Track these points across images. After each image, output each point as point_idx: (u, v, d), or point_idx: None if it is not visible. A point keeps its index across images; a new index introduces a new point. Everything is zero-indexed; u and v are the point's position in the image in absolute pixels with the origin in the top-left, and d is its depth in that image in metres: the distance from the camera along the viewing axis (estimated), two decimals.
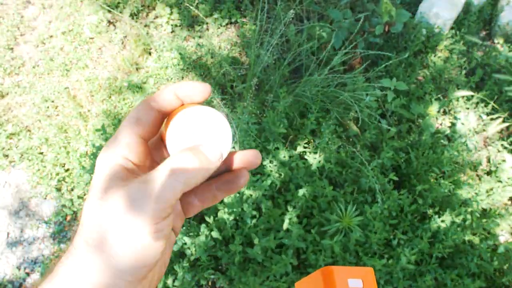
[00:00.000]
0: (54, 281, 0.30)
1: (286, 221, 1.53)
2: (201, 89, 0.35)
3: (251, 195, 1.57)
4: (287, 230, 1.52)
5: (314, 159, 1.69)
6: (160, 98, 0.35)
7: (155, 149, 0.38)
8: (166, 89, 0.35)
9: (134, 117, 0.34)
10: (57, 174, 1.89)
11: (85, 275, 0.29)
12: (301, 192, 1.58)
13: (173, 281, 1.51)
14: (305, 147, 1.82)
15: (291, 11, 1.71)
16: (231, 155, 0.37)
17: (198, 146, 0.32)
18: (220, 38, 2.34)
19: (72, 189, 1.88)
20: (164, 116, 0.36)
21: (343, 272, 0.43)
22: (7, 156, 1.99)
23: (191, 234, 1.55)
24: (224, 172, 0.38)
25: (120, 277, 0.29)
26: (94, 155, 1.75)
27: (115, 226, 0.29)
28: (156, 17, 2.45)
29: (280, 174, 1.66)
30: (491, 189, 1.81)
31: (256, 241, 1.46)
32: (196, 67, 2.15)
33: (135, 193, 0.30)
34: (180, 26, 2.44)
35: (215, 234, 1.54)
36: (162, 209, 0.29)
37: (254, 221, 1.55)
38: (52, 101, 2.14)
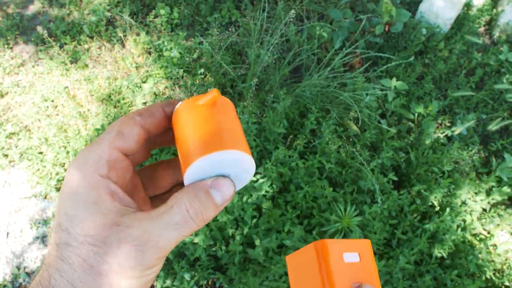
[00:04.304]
0: None
1: (288, 223, 1.53)
2: None
3: (251, 195, 1.57)
4: (288, 231, 1.52)
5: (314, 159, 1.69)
6: (147, 114, 0.32)
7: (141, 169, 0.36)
8: (154, 105, 0.33)
9: (115, 130, 0.31)
10: (57, 174, 1.89)
11: None
12: (301, 193, 1.58)
13: (173, 281, 1.51)
14: (305, 147, 1.82)
15: (292, 11, 1.71)
16: None
17: (208, 187, 0.30)
18: (220, 37, 2.34)
19: None
20: (148, 135, 0.33)
21: (338, 245, 0.40)
22: (6, 155, 1.99)
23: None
24: None
25: None
26: None
27: (112, 273, 0.28)
28: (156, 16, 2.45)
29: (280, 174, 1.66)
30: (491, 189, 1.81)
31: (257, 242, 1.46)
32: (196, 66, 2.14)
33: (135, 241, 0.28)
34: (180, 25, 2.44)
35: (215, 234, 1.54)
36: (159, 257, 0.29)
37: (254, 221, 1.55)
38: (52, 101, 2.14)
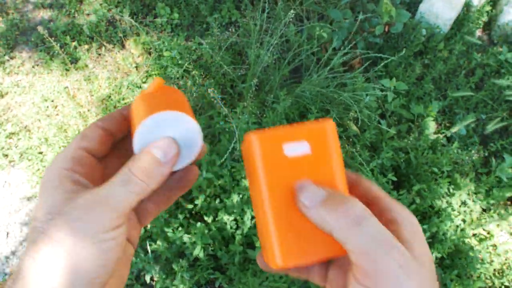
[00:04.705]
0: None
1: None
2: None
3: None
4: None
5: None
6: (108, 118, 0.36)
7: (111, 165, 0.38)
8: (115, 111, 0.37)
9: (80, 134, 0.35)
10: None
11: None
12: None
13: (172, 280, 1.51)
14: None
15: (291, 11, 1.71)
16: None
17: (150, 148, 0.32)
18: (220, 38, 2.34)
19: None
20: (113, 136, 0.37)
21: (278, 134, 0.30)
22: (6, 155, 1.99)
23: (190, 233, 1.55)
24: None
25: None
26: None
27: (67, 240, 0.29)
28: (156, 16, 2.45)
29: None
30: (491, 189, 1.81)
31: (257, 243, 1.46)
32: (196, 66, 2.14)
33: (86, 203, 0.30)
34: (180, 25, 2.44)
35: (214, 233, 1.54)
36: (114, 217, 0.29)
37: (254, 221, 1.55)
38: (52, 101, 2.14)
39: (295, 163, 0.30)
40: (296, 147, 0.30)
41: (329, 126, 0.31)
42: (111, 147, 0.38)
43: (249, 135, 0.31)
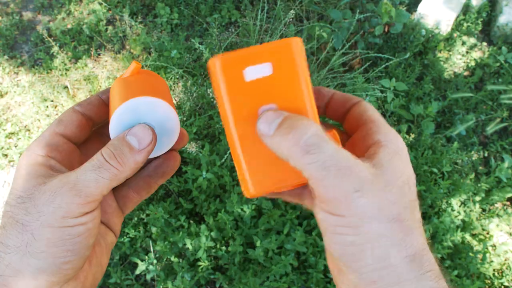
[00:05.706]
0: None
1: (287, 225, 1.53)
2: None
3: None
4: (288, 233, 1.52)
5: None
6: (85, 103, 0.36)
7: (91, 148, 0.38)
8: (94, 95, 0.36)
9: (57, 120, 0.35)
10: None
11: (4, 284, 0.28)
12: None
13: (173, 281, 1.51)
14: None
15: (291, 11, 1.71)
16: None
17: (124, 134, 0.32)
18: (220, 38, 2.34)
19: None
20: (91, 120, 0.36)
21: (239, 58, 0.28)
22: (6, 155, 1.99)
23: (191, 235, 1.55)
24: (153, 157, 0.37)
25: (41, 278, 0.29)
26: None
27: (34, 223, 0.28)
28: (156, 16, 2.45)
29: None
30: (490, 190, 1.81)
31: (258, 243, 1.46)
32: (196, 66, 2.14)
33: (55, 187, 0.29)
34: (180, 25, 2.44)
35: (214, 234, 1.54)
36: (82, 203, 0.29)
37: (254, 221, 1.55)
38: (52, 101, 2.14)
39: (260, 87, 0.29)
40: (257, 70, 0.29)
41: (295, 43, 0.29)
42: (92, 133, 0.37)
43: (212, 59, 0.29)
